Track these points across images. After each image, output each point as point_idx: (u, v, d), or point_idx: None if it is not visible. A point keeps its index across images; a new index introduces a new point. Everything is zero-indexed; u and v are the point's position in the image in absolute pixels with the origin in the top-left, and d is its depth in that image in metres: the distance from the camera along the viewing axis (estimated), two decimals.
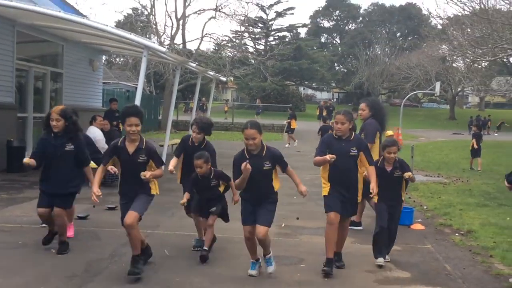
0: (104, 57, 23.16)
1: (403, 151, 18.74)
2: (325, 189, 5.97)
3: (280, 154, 5.62)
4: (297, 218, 8.62)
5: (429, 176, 14.50)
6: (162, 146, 15.38)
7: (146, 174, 5.37)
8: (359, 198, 6.12)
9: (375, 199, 6.21)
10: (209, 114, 22.73)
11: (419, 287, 5.47)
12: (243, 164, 5.26)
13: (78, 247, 6.43)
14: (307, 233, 7.68)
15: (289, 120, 23.95)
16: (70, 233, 6.76)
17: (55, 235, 6.38)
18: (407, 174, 6.21)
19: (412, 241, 7.38)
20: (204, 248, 6.17)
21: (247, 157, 5.43)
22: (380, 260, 6.13)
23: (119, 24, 37.83)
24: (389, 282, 5.62)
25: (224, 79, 24.06)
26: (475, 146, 16.30)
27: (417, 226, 8.24)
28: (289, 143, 22.89)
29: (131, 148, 5.48)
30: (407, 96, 33.66)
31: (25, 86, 14.42)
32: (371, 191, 5.88)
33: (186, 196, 6.37)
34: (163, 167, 5.76)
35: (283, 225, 8.09)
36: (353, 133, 6.04)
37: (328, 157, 5.65)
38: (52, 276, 5.35)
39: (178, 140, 19.67)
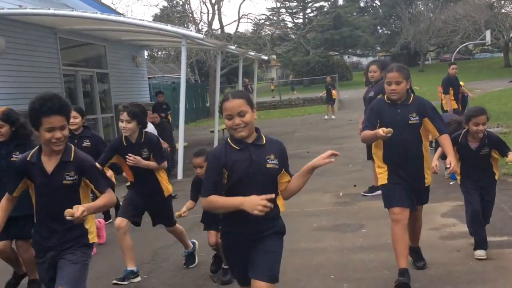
0: (146, 52, 23.53)
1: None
2: (382, 175, 4.55)
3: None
4: (355, 186, 8.57)
5: (488, 128, 14.06)
6: (212, 132, 15.55)
7: (76, 211, 3.04)
8: (428, 181, 4.51)
9: (458, 179, 5.06)
10: (255, 94, 22.71)
11: (488, 238, 5.34)
12: None
13: (144, 237, 6.61)
14: (365, 199, 7.63)
15: (329, 90, 22.66)
16: (101, 240, 6.46)
17: (24, 277, 5.03)
18: (509, 159, 4.78)
19: None
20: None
21: (237, 148, 3.09)
22: (481, 253, 4.80)
23: (156, 18, 38.29)
24: (454, 237, 5.53)
25: (266, 58, 23.99)
26: None
27: None
28: (327, 114, 22.29)
29: (50, 164, 3.30)
30: (457, 50, 32.64)
31: (74, 90, 14.86)
32: (447, 166, 4.45)
33: (190, 205, 5.13)
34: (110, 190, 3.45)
35: (341, 194, 8.08)
36: (412, 94, 4.52)
37: (381, 131, 4.09)
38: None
39: None
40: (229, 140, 3.11)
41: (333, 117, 21.72)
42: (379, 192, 7.66)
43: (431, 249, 5.18)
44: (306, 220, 6.74)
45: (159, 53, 49.36)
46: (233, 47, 17.57)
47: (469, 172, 4.94)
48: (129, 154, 5.01)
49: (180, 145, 11.31)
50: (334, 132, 17.41)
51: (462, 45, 38.86)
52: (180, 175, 11.04)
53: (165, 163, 5.27)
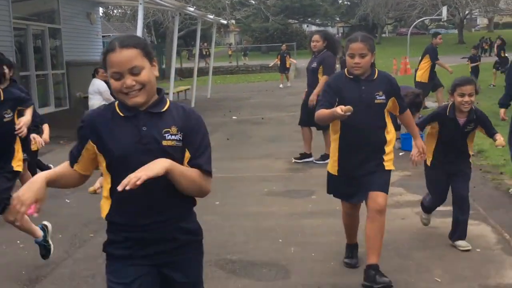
0: (101, 10, 22.81)
1: (412, 78, 18.56)
2: (332, 165, 4.03)
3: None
4: None
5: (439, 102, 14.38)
6: (167, 94, 15.33)
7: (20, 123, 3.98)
8: (391, 166, 3.87)
9: (428, 162, 4.61)
10: (213, 59, 22.46)
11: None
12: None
13: (92, 197, 6.52)
14: (317, 167, 7.72)
15: (284, 58, 22.26)
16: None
17: None
18: (499, 143, 4.30)
19: (421, 166, 7.37)
20: None
21: (121, 115, 2.24)
22: (462, 244, 4.38)
23: None
24: (400, 205, 5.68)
25: (225, 22, 23.66)
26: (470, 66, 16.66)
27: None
28: (282, 83, 22.08)
29: None
30: (414, 24, 33.00)
31: (24, 45, 14.31)
32: (413, 157, 4.12)
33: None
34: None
35: (293, 161, 8.14)
36: (376, 69, 3.89)
37: (339, 109, 3.43)
38: (68, 224, 5.46)
39: (184, 87, 19.67)
40: (116, 105, 2.20)
41: (288, 84, 21.71)
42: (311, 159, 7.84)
43: None
44: (257, 185, 6.78)
45: (115, 11, 48.03)
46: (191, 9, 17.24)
47: (443, 154, 4.46)
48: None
49: None
50: (290, 99, 17.45)
51: (419, 20, 39.34)
52: None
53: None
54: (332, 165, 4.04)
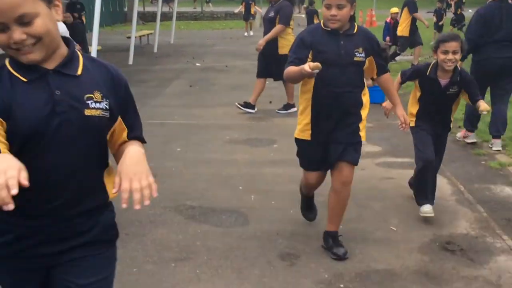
0: None
1: (376, 31, 18.53)
2: (303, 129, 3.55)
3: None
4: (270, 102, 8.62)
5: (403, 56, 14.47)
6: (129, 38, 14.94)
7: None
8: (362, 137, 3.58)
9: (412, 123, 4.18)
10: (176, 4, 21.88)
11: (389, 159, 5.61)
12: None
13: None
14: (280, 116, 7.72)
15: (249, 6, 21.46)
16: None
17: None
18: (483, 108, 3.88)
19: (383, 118, 7.43)
20: None
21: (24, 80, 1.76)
22: (427, 209, 4.04)
23: None
24: (362, 156, 5.72)
25: None
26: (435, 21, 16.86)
27: (389, 104, 8.31)
28: (247, 31, 21.55)
29: None
30: None
31: None
32: (401, 125, 3.74)
33: None
34: None
35: (256, 110, 8.10)
36: (355, 24, 3.48)
37: (307, 66, 3.05)
38: None
39: (146, 32, 19.18)
40: (9, 67, 1.64)
41: (251, 33, 21.29)
42: (294, 109, 7.81)
43: None
44: (220, 132, 6.74)
45: None
46: None
47: (427, 116, 4.12)
48: None
49: (94, 49, 10.76)
50: (254, 48, 17.26)
51: None
52: None
53: None
54: (302, 130, 3.54)
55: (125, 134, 1.79)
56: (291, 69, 3.32)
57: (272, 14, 7.56)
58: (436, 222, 4.02)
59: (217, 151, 5.98)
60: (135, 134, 1.82)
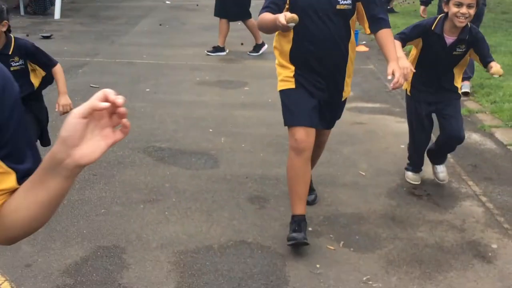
0: None
1: None
2: (286, 81, 3.10)
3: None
4: (242, 44, 8.47)
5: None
6: None
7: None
8: (346, 93, 3.28)
9: (408, 89, 3.72)
10: None
11: (360, 104, 5.60)
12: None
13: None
14: (251, 58, 7.60)
15: None
16: None
17: None
18: (494, 71, 3.30)
19: (356, 62, 7.42)
20: None
21: None
22: (412, 177, 3.85)
23: None
24: None
25: None
26: None
27: (361, 48, 8.25)
28: None
29: None
30: None
31: None
32: (389, 76, 2.90)
33: None
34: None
35: (227, 51, 7.96)
36: None
37: (282, 17, 2.56)
38: None
39: None
40: None
41: None
42: (265, 47, 7.66)
43: None
44: (190, 73, 6.62)
45: None
46: None
47: (422, 82, 3.59)
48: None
49: None
50: None
51: None
52: (57, 15, 10.22)
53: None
54: (284, 80, 3.10)
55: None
56: (265, 17, 2.80)
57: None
58: (403, 168, 4.07)
59: (187, 92, 5.88)
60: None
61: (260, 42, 7.72)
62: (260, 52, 7.69)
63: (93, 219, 3.21)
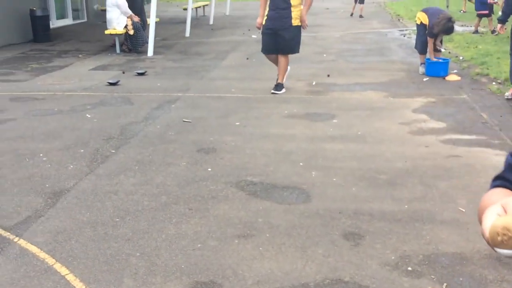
0: None
1: (435, 0, 17.89)
2: None
3: None
4: (328, 76, 8.49)
5: (465, 26, 13.92)
6: (185, 9, 14.95)
7: None
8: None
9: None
10: None
11: (455, 136, 5.41)
12: None
13: (112, 112, 6.49)
14: (338, 90, 7.58)
15: None
16: None
17: None
18: None
19: (447, 92, 7.23)
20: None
21: None
22: None
23: None
24: (424, 132, 5.57)
25: None
26: None
27: (452, 77, 8.03)
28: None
29: None
30: None
31: None
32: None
33: None
34: None
35: (314, 83, 7.99)
36: None
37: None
38: (90, 139, 5.46)
39: (202, 3, 19.15)
40: None
41: None
42: (284, 90, 7.42)
43: (400, 143, 5.23)
44: (278, 106, 6.68)
45: None
46: None
47: None
48: None
49: (152, 21, 10.85)
50: (310, 19, 16.91)
51: None
52: (150, 52, 10.71)
53: None
54: None
55: None
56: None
57: None
58: None
59: (276, 125, 5.93)
60: None
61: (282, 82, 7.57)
62: (281, 91, 7.48)
63: (190, 254, 3.27)
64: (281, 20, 7.07)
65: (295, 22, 7.13)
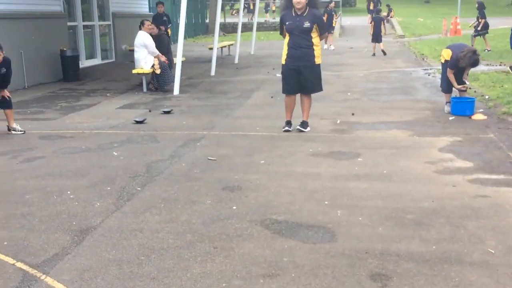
0: None
1: (463, 40, 17.96)
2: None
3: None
4: (352, 114, 8.50)
5: (490, 66, 13.88)
6: (211, 49, 15.23)
7: None
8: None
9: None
10: (257, 14, 22.10)
11: (482, 176, 5.34)
12: None
13: (138, 150, 6.58)
14: (363, 128, 7.57)
15: (332, 16, 20.65)
16: None
17: None
18: None
19: (474, 131, 7.17)
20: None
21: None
22: None
23: None
24: (451, 172, 5.51)
25: None
26: None
27: (478, 116, 7.97)
28: (328, 44, 20.40)
29: None
30: None
31: None
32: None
33: None
34: None
35: (338, 121, 8.01)
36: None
37: None
38: (116, 177, 5.53)
39: (227, 43, 19.50)
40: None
41: (332, 47, 20.39)
42: (308, 129, 7.38)
43: (426, 182, 5.18)
44: (302, 144, 6.70)
45: None
46: None
47: None
48: None
49: (178, 60, 11.07)
50: (334, 58, 17.13)
51: None
52: (176, 91, 10.89)
53: None
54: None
55: None
56: None
57: (308, 24, 7.09)
58: None
59: (300, 163, 5.94)
60: None
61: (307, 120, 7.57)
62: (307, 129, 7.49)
63: None
64: (304, 59, 7.14)
65: (318, 60, 7.21)
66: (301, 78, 7.25)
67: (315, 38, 7.13)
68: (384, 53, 17.62)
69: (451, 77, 8.16)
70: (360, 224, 4.26)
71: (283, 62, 7.31)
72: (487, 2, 55.10)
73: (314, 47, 7.13)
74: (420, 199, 4.76)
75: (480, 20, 17.85)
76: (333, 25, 21.24)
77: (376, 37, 17.89)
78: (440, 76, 9.70)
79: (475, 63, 7.90)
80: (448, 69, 8.15)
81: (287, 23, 7.11)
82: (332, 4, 21.99)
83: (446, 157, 6.03)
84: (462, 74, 8.25)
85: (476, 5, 18.20)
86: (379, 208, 4.58)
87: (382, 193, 4.93)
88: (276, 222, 4.33)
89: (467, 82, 8.40)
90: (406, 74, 13.21)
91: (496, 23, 32.18)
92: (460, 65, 7.93)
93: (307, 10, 7.05)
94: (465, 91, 8.39)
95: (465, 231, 4.07)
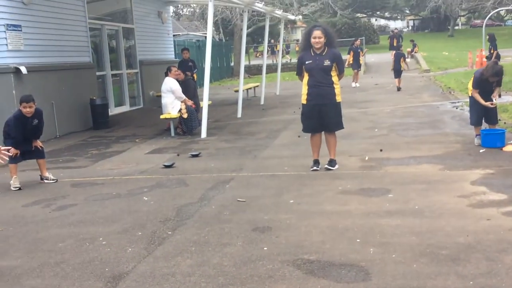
0: (171, 9, 23.27)
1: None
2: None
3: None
4: (381, 150, 8.45)
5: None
6: (237, 91, 15.43)
7: None
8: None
9: None
10: (281, 55, 22.39)
11: None
12: None
13: (168, 194, 6.63)
14: (392, 164, 7.51)
15: (358, 54, 20.84)
16: None
17: None
18: None
19: (506, 163, 7.05)
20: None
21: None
22: None
23: None
24: (484, 205, 5.41)
25: (293, 17, 23.53)
26: None
27: (510, 148, 7.85)
28: (354, 81, 20.41)
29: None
30: (489, 15, 31.65)
31: (100, 45, 14.80)
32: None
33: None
34: None
35: (366, 158, 7.97)
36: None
37: None
38: (147, 221, 5.56)
39: (252, 85, 19.74)
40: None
41: (357, 85, 20.30)
42: (337, 167, 7.33)
43: (460, 217, 5.08)
44: (331, 183, 6.67)
45: (184, 10, 48.95)
46: (260, 5, 17.24)
47: None
48: None
49: (205, 103, 11.23)
50: (360, 95, 17.16)
51: (494, 11, 37.66)
52: (204, 134, 11.01)
53: None
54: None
55: None
56: None
57: (328, 62, 7.14)
58: None
59: (330, 202, 5.90)
60: None
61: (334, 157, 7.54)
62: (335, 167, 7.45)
63: None
64: (326, 97, 7.16)
65: (338, 98, 7.23)
66: (323, 116, 7.25)
67: (334, 76, 7.16)
68: (398, 89, 17.70)
69: (477, 96, 8.10)
70: (394, 262, 4.18)
71: (304, 101, 7.33)
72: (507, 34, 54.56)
73: (335, 86, 7.14)
74: (454, 234, 4.66)
75: (492, 51, 17.87)
76: (360, 62, 21.30)
77: (397, 72, 17.98)
78: (468, 108, 9.62)
79: (498, 72, 7.85)
80: (472, 90, 8.12)
81: (306, 62, 7.16)
82: (358, 42, 22.14)
83: (479, 190, 5.92)
84: (489, 94, 8.15)
85: (487, 37, 18.26)
86: (412, 244, 4.49)
87: (415, 229, 4.85)
88: (308, 262, 4.28)
89: (494, 100, 8.26)
90: (433, 108, 13.14)
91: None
92: (483, 77, 7.90)
93: (326, 49, 7.12)
94: (494, 106, 8.25)
95: (503, 265, 3.96)
